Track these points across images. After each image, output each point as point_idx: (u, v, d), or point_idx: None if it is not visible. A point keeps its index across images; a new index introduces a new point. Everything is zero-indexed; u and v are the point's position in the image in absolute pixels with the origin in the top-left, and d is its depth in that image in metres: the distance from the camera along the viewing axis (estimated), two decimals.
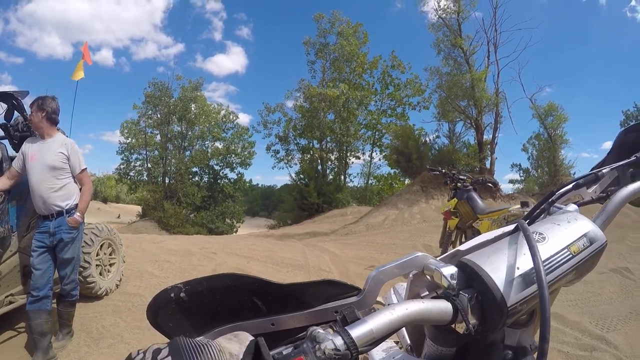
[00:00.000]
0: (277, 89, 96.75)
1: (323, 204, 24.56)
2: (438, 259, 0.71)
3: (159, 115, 29.06)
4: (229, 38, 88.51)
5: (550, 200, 0.88)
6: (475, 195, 6.05)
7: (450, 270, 0.65)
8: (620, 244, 7.63)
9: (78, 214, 3.98)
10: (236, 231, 28.72)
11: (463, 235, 6.27)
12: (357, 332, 0.54)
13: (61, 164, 3.94)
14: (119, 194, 40.30)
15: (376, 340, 0.56)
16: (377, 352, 0.98)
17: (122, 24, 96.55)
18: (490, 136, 20.42)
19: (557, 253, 0.68)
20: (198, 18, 79.32)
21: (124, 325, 4.53)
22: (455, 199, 6.25)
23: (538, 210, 0.88)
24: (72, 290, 4.06)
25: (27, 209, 4.13)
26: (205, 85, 32.00)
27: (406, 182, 25.18)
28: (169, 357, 0.50)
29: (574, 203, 0.87)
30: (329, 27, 29.57)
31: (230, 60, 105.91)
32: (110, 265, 5.24)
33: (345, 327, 0.56)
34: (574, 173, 18.16)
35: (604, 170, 0.95)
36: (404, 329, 0.94)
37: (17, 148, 4.51)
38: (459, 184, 6.31)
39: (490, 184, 6.97)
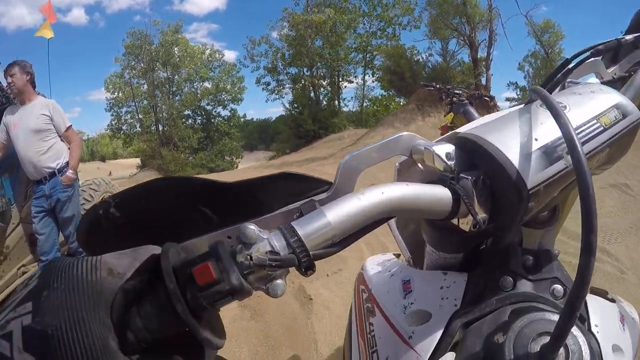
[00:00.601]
0: (261, 20, 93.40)
1: (319, 130, 24.45)
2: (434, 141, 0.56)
3: (142, 65, 28.29)
4: None
5: (566, 69, 0.72)
6: (471, 109, 5.96)
7: (446, 148, 0.51)
8: (620, 161, 7.61)
9: (70, 171, 3.96)
10: (236, 167, 28.80)
11: None
12: (308, 228, 0.41)
13: (45, 125, 3.87)
14: (116, 150, 40.01)
15: (337, 239, 0.43)
16: (372, 265, 0.84)
17: None
18: (485, 53, 20.04)
19: (584, 123, 0.54)
20: None
21: None
22: (451, 113, 6.17)
23: (551, 83, 0.69)
24: (79, 247, 4.08)
25: (20, 179, 4.11)
26: (185, 27, 31.25)
27: (401, 102, 24.98)
28: (37, 279, 0.39)
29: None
30: None
31: None
32: None
33: (291, 223, 0.42)
34: None
35: (627, 37, 0.79)
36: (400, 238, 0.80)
37: None
38: (454, 99, 6.21)
39: (486, 98, 6.88)
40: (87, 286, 0.37)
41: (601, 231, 4.58)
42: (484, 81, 19.64)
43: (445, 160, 0.50)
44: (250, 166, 20.75)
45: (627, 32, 0.86)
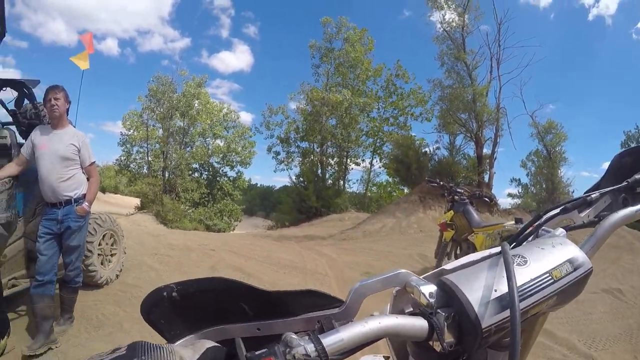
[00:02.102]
0: (281, 89, 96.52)
1: (321, 207, 24.44)
2: (422, 277, 0.72)
3: (161, 109, 28.98)
4: (236, 36, 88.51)
5: (537, 223, 0.88)
6: (471, 209, 6.16)
7: (429, 288, 0.66)
8: (615, 265, 7.67)
9: (86, 203, 4.08)
10: (233, 229, 28.69)
11: (458, 248, 6.38)
12: (329, 340, 0.57)
13: (72, 155, 4.05)
14: (118, 185, 40.02)
15: (347, 350, 0.59)
16: None
17: (129, 15, 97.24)
18: (490, 150, 20.48)
19: (537, 277, 0.68)
20: (206, 13, 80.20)
21: (124, 315, 4.62)
22: (452, 211, 6.36)
23: (526, 232, 0.86)
24: (75, 277, 4.16)
25: (33, 196, 4.20)
26: (209, 82, 31.96)
27: (404, 190, 25.25)
28: (125, 351, 0.54)
29: (565, 227, 0.85)
30: (335, 32, 29.68)
31: (236, 58, 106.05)
32: (112, 255, 5.33)
33: (318, 335, 0.58)
34: (573, 191, 18.24)
35: (593, 195, 0.93)
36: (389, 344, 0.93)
37: (24, 135, 4.60)
38: (456, 197, 6.43)
39: (486, 199, 7.07)
40: None
41: (589, 337, 4.63)
42: (487, 178, 19.93)
43: (428, 298, 0.65)
44: (248, 232, 20.73)
45: (601, 181, 1.04)
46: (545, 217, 0.89)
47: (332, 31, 29.73)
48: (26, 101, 4.62)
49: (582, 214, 0.94)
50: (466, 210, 6.13)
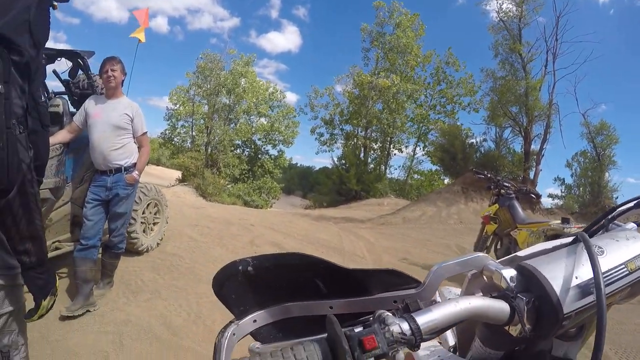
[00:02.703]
0: (328, 72, 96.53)
1: (361, 191, 24.52)
2: (497, 262, 0.72)
3: (208, 86, 29.29)
4: (285, 17, 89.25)
5: (610, 216, 0.87)
6: (517, 204, 5.99)
7: (510, 272, 0.66)
8: None
9: (136, 172, 4.16)
10: (271, 206, 28.96)
11: (499, 242, 6.22)
12: (423, 319, 0.57)
13: (125, 124, 4.10)
14: (160, 157, 40.97)
15: (438, 330, 0.59)
16: (422, 350, 0.97)
17: None
18: (538, 146, 19.88)
19: (614, 268, 0.69)
20: None
21: (162, 283, 4.71)
22: (496, 204, 6.20)
23: (597, 226, 0.86)
24: (119, 243, 4.24)
25: (82, 162, 4.30)
26: (256, 61, 32.03)
27: (446, 181, 24.90)
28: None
29: (634, 222, 0.86)
30: (387, 16, 29.23)
31: (285, 39, 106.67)
32: (154, 224, 5.44)
33: (412, 314, 0.58)
34: (617, 197, 17.35)
35: None
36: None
37: (75, 104, 4.69)
38: (502, 191, 6.26)
39: (532, 195, 6.86)
40: None
41: (621, 348, 4.47)
42: (532, 175, 19.40)
43: (509, 282, 0.65)
44: (287, 211, 20.90)
45: None
46: (618, 210, 0.89)
47: (384, 15, 29.33)
48: (80, 72, 4.68)
49: None
50: (511, 205, 5.96)
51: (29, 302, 1.65)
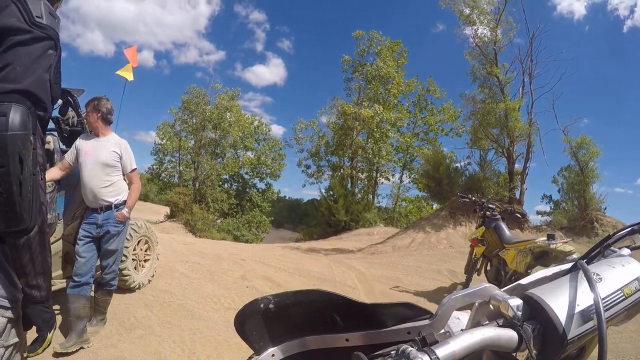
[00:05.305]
0: (313, 103, 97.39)
1: (350, 222, 24.44)
2: (502, 290, 0.77)
3: (194, 121, 29.47)
4: (270, 49, 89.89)
5: (606, 243, 0.92)
6: (502, 225, 6.09)
7: (516, 302, 0.71)
8: None
9: (126, 209, 4.18)
10: (261, 240, 28.82)
11: (488, 264, 6.30)
12: (442, 352, 0.60)
13: (114, 162, 4.15)
14: (148, 193, 40.80)
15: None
16: None
17: (166, 28, 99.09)
18: (522, 166, 20.12)
19: (612, 293, 0.75)
20: (241, 27, 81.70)
21: (155, 319, 4.69)
22: (483, 227, 6.30)
23: (595, 252, 0.91)
24: (111, 280, 4.25)
25: (74, 200, 4.31)
26: (242, 94, 32.50)
27: (434, 206, 24.99)
28: None
29: (627, 247, 0.93)
30: (367, 45, 29.94)
31: (269, 72, 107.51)
32: (145, 261, 5.43)
33: (432, 347, 0.61)
34: (605, 208, 17.56)
35: None
36: None
37: (65, 141, 4.73)
38: (487, 213, 6.37)
39: (518, 215, 6.97)
40: None
41: (619, 356, 4.57)
42: (518, 194, 19.56)
43: (515, 311, 0.69)
44: (277, 245, 20.82)
45: None
46: (615, 237, 0.93)
47: (364, 45, 30.01)
48: (70, 109, 4.74)
49: None
50: (497, 226, 6.07)
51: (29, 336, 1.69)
